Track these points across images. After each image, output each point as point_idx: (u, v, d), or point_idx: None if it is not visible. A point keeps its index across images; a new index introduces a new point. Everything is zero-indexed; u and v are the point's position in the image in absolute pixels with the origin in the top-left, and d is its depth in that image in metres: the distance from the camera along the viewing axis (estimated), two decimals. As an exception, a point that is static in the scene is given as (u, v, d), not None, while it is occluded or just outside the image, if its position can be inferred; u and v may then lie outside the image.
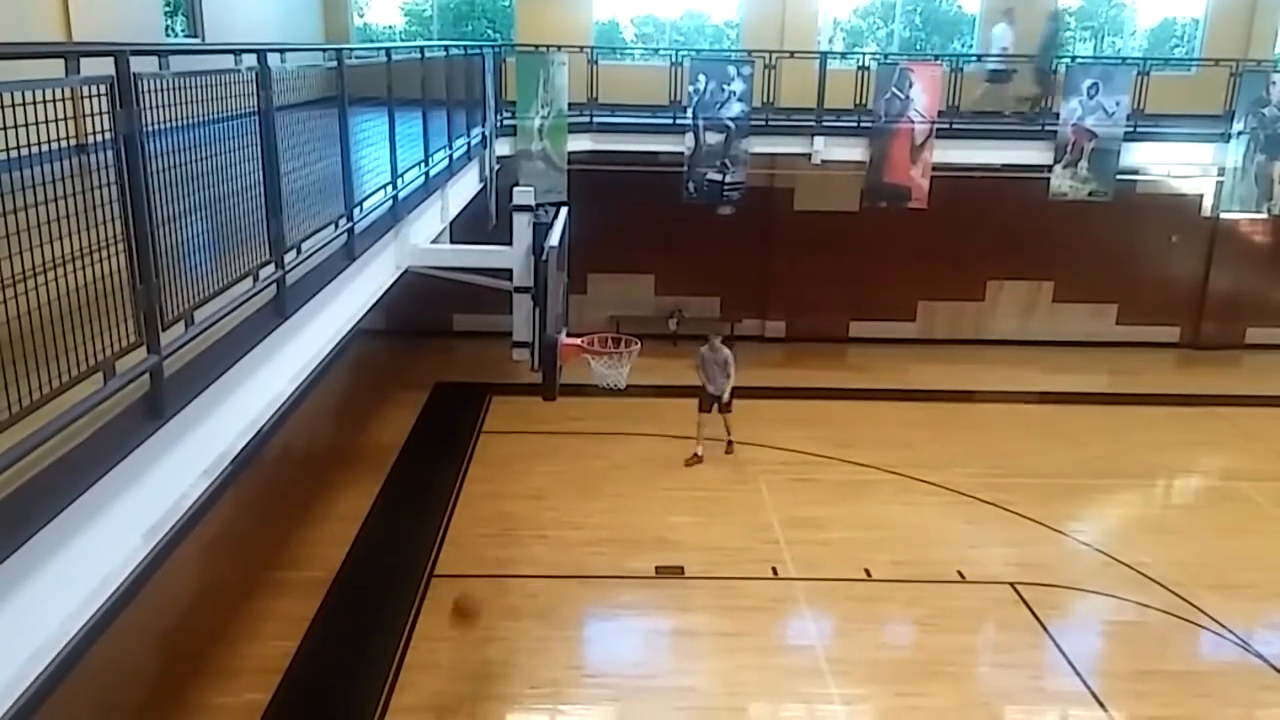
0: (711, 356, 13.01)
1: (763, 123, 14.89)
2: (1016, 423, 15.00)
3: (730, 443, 13.36)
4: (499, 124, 13.70)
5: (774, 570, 10.43)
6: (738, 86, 14.38)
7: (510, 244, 8.61)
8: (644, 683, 8.61)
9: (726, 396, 12.99)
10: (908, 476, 12.75)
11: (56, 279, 2.95)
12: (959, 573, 10.47)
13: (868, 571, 10.45)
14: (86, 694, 7.90)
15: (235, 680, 8.45)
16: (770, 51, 15.39)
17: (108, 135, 3.28)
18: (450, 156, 10.15)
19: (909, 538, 11.20)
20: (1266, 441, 14.52)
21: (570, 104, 14.34)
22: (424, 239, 9.16)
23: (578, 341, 8.96)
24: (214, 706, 8.13)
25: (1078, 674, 8.83)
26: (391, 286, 8.28)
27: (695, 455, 13.03)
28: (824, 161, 15.08)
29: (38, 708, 7.39)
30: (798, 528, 11.31)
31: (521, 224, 8.52)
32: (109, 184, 3.28)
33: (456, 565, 10.43)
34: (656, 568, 10.43)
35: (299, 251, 5.34)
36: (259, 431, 5.03)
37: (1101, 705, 8.42)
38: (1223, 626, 9.59)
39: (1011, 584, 10.25)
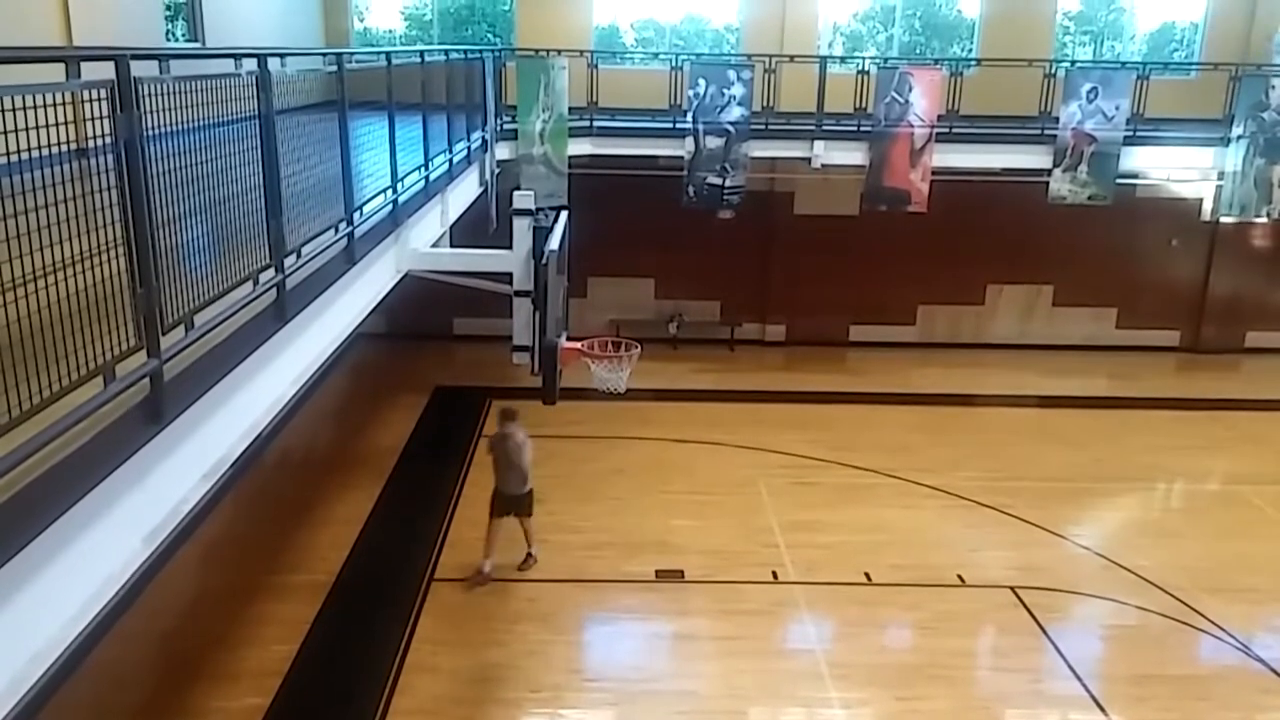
0: (501, 445, 10.09)
1: (763, 127, 14.91)
2: (1016, 426, 15.01)
3: (530, 555, 10.43)
4: (499, 128, 13.71)
5: (774, 574, 10.43)
6: (738, 91, 14.40)
7: (510, 248, 8.62)
8: (644, 686, 8.61)
9: (525, 494, 10.21)
10: (907, 480, 12.75)
11: (57, 283, 2.96)
12: (959, 576, 10.47)
13: (867, 575, 10.45)
14: (86, 697, 7.91)
15: (235, 684, 8.44)
16: (770, 56, 15.40)
17: (108, 139, 3.28)
18: (450, 160, 10.16)
19: (909, 541, 11.20)
20: (1267, 445, 14.53)
21: (570, 108, 14.36)
22: (424, 243, 9.17)
23: (578, 345, 8.96)
24: (213, 710, 8.12)
25: (1077, 678, 8.83)
26: (392, 290, 8.29)
27: (480, 572, 10.14)
28: (824, 165, 15.11)
29: (38, 711, 7.41)
30: (797, 531, 11.31)
31: (521, 228, 8.52)
32: (109, 188, 3.29)
33: (456, 569, 10.43)
34: (656, 571, 10.43)
35: (299, 255, 5.35)
36: (259, 435, 5.03)
37: (1101, 709, 8.42)
38: (1223, 630, 9.59)
39: (1011, 588, 10.25)
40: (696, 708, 8.33)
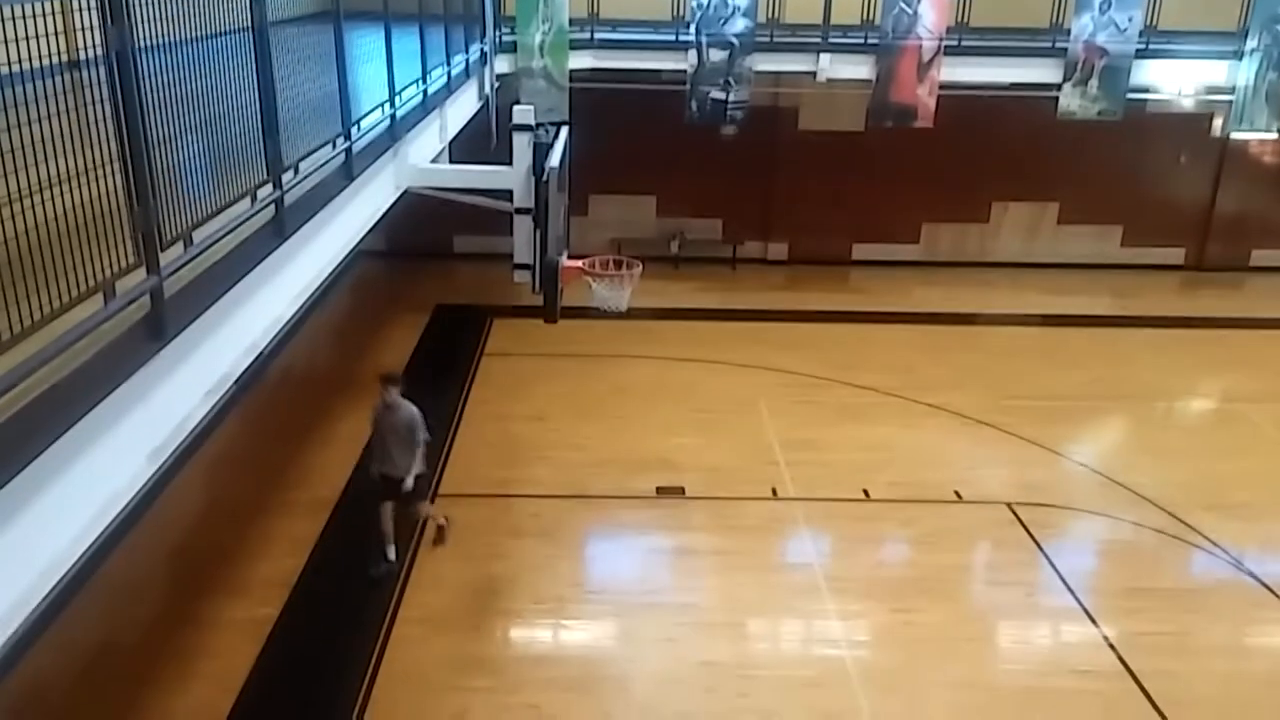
0: (385, 416, 8.78)
1: (767, 39, 14.58)
2: (1018, 345, 15.02)
3: (441, 527, 9.46)
4: (498, 41, 13.44)
5: (773, 490, 10.55)
6: (742, 1, 14.05)
7: (510, 164, 8.52)
8: (645, 599, 8.79)
9: (410, 480, 8.69)
10: (908, 399, 12.82)
11: (53, 198, 2.92)
12: (956, 493, 10.59)
13: (866, 492, 10.57)
14: (99, 608, 8.09)
15: (245, 597, 8.62)
16: (775, -36, 15.00)
17: (100, 52, 3.21)
18: (449, 74, 9.97)
19: (908, 459, 11.30)
20: (1268, 364, 14.55)
21: (571, 20, 14.05)
22: (423, 159, 9.05)
23: (579, 264, 8.93)
24: (225, 621, 8.31)
25: (1071, 591, 9.00)
26: (391, 207, 8.22)
27: (386, 559, 9.05)
28: (829, 80, 14.82)
29: (52, 621, 7.59)
30: (797, 449, 11.41)
31: (521, 144, 8.42)
32: (103, 101, 3.23)
33: (460, 485, 10.56)
34: (657, 488, 10.56)
35: (297, 171, 5.28)
36: (261, 353, 5.04)
37: (1093, 621, 8.59)
38: (1216, 546, 9.74)
39: (1008, 504, 10.38)
40: (696, 619, 8.51)
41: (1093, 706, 7.66)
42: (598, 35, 14.58)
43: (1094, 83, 14.57)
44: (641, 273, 9.09)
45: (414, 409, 8.76)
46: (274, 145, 4.84)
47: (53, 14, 2.84)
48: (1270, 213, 18.38)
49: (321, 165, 5.70)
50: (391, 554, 9.12)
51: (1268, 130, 15.20)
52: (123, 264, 3.35)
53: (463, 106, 11.24)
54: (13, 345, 2.75)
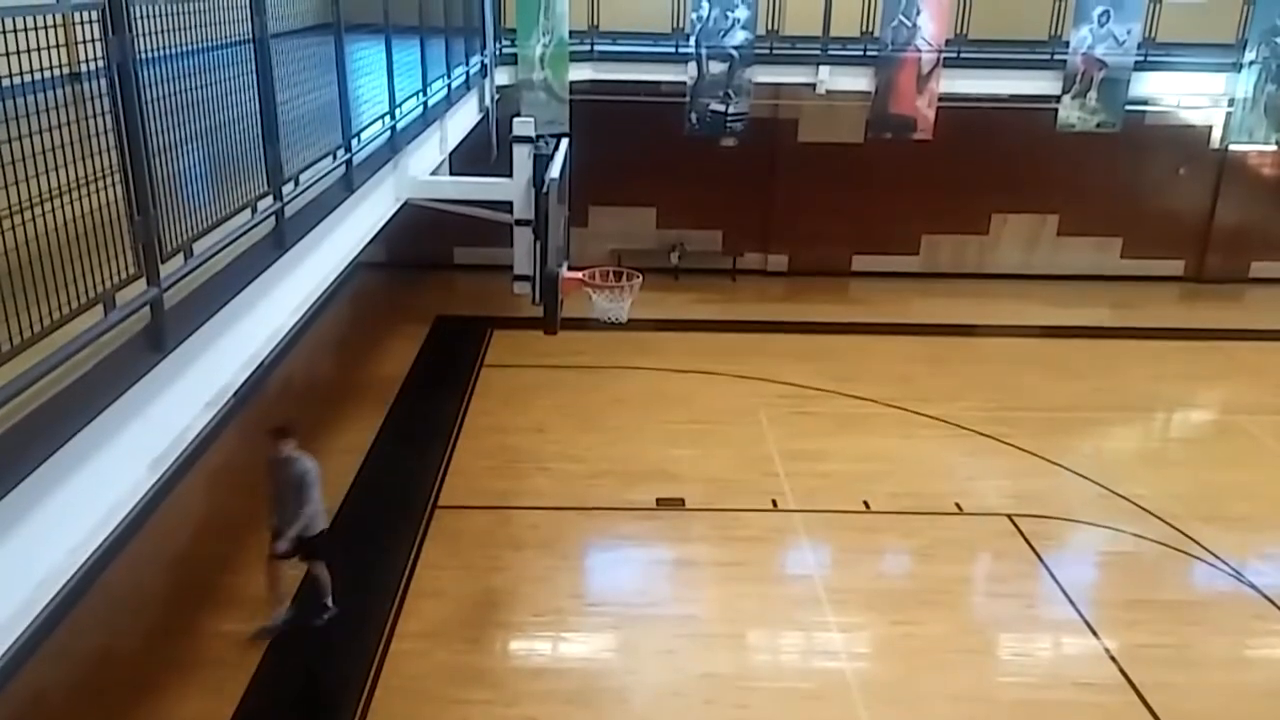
0: (276, 470, 7.97)
1: (767, 51, 14.64)
2: (1018, 356, 15.02)
3: (326, 606, 8.41)
4: (499, 53, 13.49)
5: (774, 502, 10.54)
6: (742, 13, 14.11)
7: (510, 176, 8.53)
8: (645, 611, 8.77)
9: (285, 543, 7.88)
10: (908, 410, 12.81)
11: (54, 210, 2.93)
12: (956, 504, 10.58)
13: (866, 503, 10.56)
14: (100, 618, 8.08)
15: (244, 608, 8.58)
16: (775, -23, 15.07)
17: (101, 63, 3.23)
18: (449, 86, 10.00)
19: (908, 470, 11.29)
20: (1267, 375, 14.55)
21: (571, 32, 14.10)
22: (423, 170, 9.08)
23: (579, 275, 8.94)
24: (225, 633, 8.29)
25: (1071, 603, 8.98)
26: (391, 219, 8.23)
27: (265, 628, 8.22)
28: (829, 92, 14.87)
29: (52, 631, 7.57)
30: (797, 460, 11.40)
31: (522, 156, 8.43)
32: (104, 113, 3.24)
33: (459, 496, 10.55)
34: (657, 499, 10.55)
35: (297, 183, 5.29)
36: (260, 364, 5.04)
37: (1094, 633, 8.57)
38: (1216, 557, 9.72)
39: (1008, 515, 10.37)
40: (696, 631, 8.49)
41: (1094, 719, 7.64)
42: (598, 47, 14.64)
43: (1093, 94, 14.62)
44: (641, 284, 9.10)
45: (307, 464, 7.91)
46: (274, 157, 4.85)
47: (54, 26, 2.86)
48: (1270, 224, 18.40)
49: (322, 177, 5.71)
50: (279, 618, 8.32)
51: (1266, 142, 15.25)
52: (123, 275, 3.35)
53: (463, 118, 11.27)
54: (13, 356, 2.75)
